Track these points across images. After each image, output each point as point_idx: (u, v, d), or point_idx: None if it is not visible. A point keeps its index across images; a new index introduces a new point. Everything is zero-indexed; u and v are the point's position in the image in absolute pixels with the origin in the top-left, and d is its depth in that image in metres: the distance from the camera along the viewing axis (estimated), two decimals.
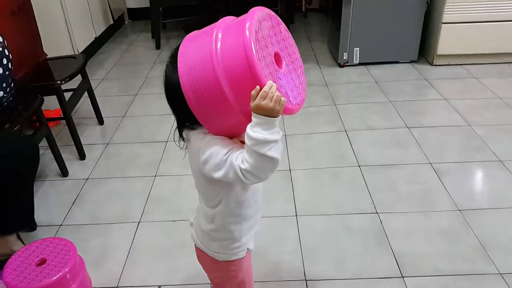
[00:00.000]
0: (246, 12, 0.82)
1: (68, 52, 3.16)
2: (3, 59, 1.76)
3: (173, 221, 1.78)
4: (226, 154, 0.84)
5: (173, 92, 0.84)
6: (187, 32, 0.87)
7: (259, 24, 0.79)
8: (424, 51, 3.19)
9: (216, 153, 0.84)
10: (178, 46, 0.85)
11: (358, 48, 3.10)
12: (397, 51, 3.14)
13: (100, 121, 2.59)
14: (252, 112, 0.77)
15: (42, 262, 1.43)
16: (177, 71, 0.81)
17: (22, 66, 2.15)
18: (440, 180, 1.92)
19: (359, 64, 3.17)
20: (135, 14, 4.69)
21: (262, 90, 0.75)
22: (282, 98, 0.77)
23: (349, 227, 1.70)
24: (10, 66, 1.81)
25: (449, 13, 2.86)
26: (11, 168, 1.44)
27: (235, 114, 0.81)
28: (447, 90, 2.74)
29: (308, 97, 2.77)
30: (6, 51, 1.79)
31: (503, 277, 1.44)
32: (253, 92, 0.76)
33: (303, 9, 4.49)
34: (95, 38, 3.71)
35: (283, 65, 0.86)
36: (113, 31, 4.30)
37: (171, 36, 4.12)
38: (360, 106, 2.63)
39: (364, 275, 1.48)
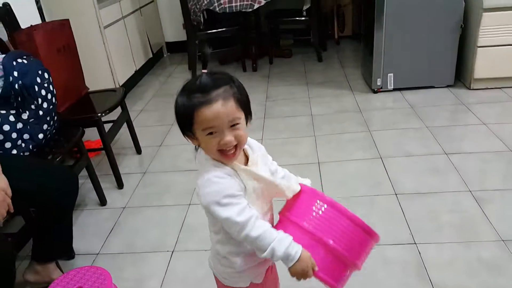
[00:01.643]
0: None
1: (109, 85, 3.31)
2: (47, 94, 1.86)
3: (205, 250, 1.79)
4: (229, 196, 0.90)
5: (181, 118, 0.91)
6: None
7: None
8: (461, 75, 3.12)
9: (221, 191, 0.90)
10: (192, 78, 0.92)
11: (392, 74, 3.08)
12: (432, 76, 3.08)
13: (138, 151, 2.67)
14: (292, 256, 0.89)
15: None
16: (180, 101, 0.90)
17: (65, 100, 2.27)
18: (481, 208, 1.84)
19: (394, 89, 3.14)
20: (173, 47, 4.88)
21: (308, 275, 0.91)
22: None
23: (386, 258, 1.64)
24: (54, 100, 1.91)
25: (484, 36, 2.80)
26: (51, 200, 1.50)
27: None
28: (486, 115, 2.66)
29: (342, 123, 2.78)
30: (51, 86, 1.90)
31: None
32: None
33: (336, 37, 4.52)
34: (135, 71, 3.87)
35: None
36: (152, 64, 4.47)
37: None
38: (395, 132, 2.58)
39: None
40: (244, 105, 0.93)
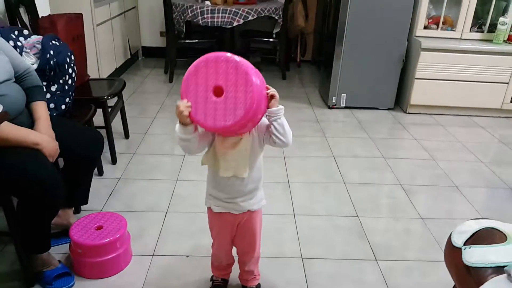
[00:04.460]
0: (248, 57, 1.30)
1: (94, 77, 3.63)
2: (72, 72, 2.22)
3: (195, 213, 2.20)
4: None
5: None
6: None
7: (195, 68, 1.24)
8: (399, 100, 3.79)
9: None
10: None
11: (345, 94, 3.68)
12: (377, 99, 3.73)
13: (127, 136, 3.03)
14: None
15: (99, 228, 1.82)
16: None
17: None
18: (408, 197, 2.42)
19: (345, 107, 3.75)
20: (148, 51, 5.25)
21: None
22: (183, 113, 1.19)
23: (336, 225, 2.15)
24: (75, 79, 2.27)
25: (421, 70, 3.48)
26: (83, 154, 1.85)
27: None
28: (418, 133, 3.31)
29: (302, 130, 3.33)
30: (75, 67, 2.25)
31: None
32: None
33: (298, 60, 5.13)
34: (115, 69, 4.21)
35: (223, 95, 1.18)
36: (128, 65, 4.81)
37: (181, 73, 4.64)
38: (346, 139, 3.15)
39: (347, 257, 1.93)
40: None
